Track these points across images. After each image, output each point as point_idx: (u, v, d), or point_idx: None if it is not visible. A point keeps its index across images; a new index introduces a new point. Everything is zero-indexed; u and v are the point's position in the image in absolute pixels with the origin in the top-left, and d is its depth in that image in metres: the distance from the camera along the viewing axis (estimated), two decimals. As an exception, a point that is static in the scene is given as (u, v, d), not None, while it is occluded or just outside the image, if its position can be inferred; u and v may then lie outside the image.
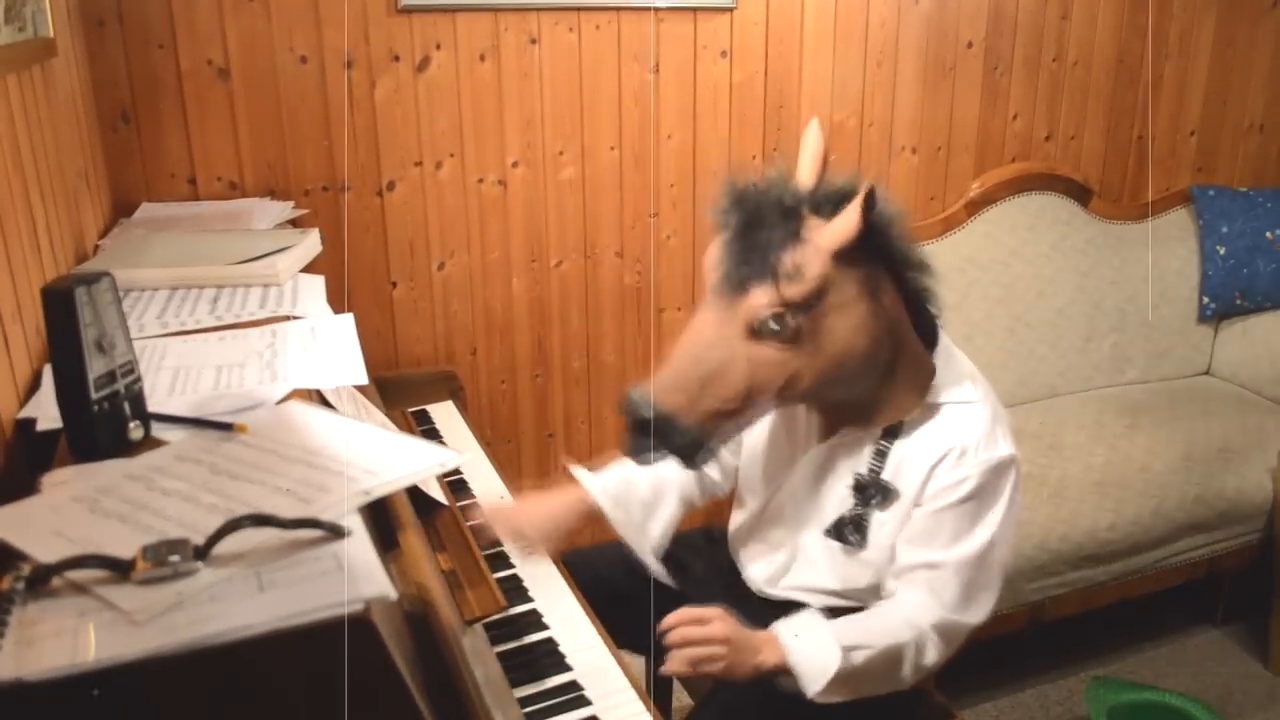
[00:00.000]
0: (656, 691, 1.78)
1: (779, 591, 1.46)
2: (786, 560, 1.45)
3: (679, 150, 2.38)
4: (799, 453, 1.42)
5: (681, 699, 1.77)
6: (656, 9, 2.26)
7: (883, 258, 1.23)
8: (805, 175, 1.25)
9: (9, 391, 1.14)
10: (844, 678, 1.21)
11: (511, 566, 1.44)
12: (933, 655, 1.26)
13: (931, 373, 1.31)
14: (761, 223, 1.18)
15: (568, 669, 1.22)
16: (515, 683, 1.17)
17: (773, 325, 1.17)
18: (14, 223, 1.24)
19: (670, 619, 1.23)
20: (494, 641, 1.25)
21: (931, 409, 1.30)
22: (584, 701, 1.16)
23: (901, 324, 1.28)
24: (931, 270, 1.32)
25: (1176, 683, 2.29)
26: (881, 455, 1.32)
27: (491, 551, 1.47)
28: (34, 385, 1.21)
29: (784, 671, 1.23)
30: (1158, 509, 2.22)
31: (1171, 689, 2.11)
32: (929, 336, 1.33)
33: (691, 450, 1.22)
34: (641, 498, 1.52)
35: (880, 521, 1.33)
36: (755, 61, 2.38)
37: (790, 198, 1.19)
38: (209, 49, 1.96)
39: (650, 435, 1.21)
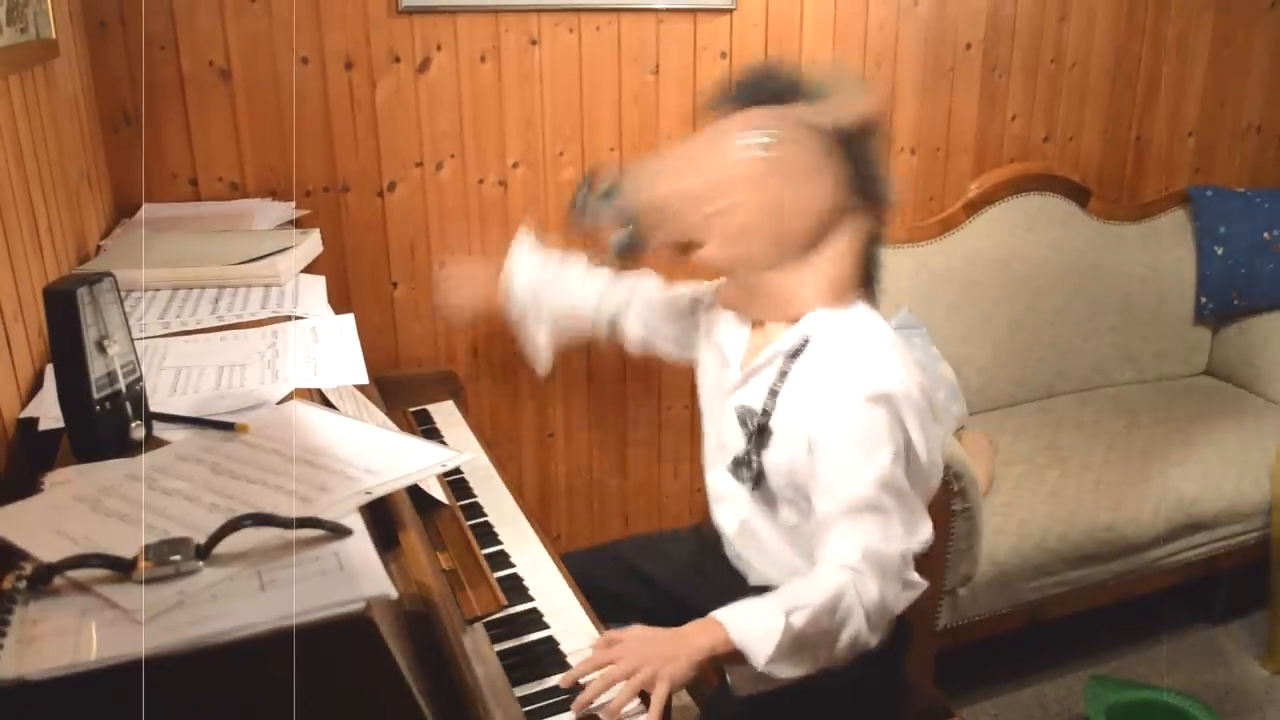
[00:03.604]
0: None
1: (742, 542, 1.48)
2: (733, 504, 1.48)
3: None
4: (726, 394, 1.47)
5: (681, 698, 1.78)
6: (657, 10, 2.26)
7: (859, 169, 1.34)
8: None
9: (11, 391, 1.14)
10: (792, 642, 1.17)
11: (512, 566, 1.45)
12: (875, 592, 1.22)
13: (841, 295, 1.37)
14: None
15: (568, 668, 1.22)
16: (515, 682, 1.18)
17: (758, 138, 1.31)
18: (16, 223, 1.24)
19: (571, 676, 1.18)
20: (494, 640, 1.25)
21: (811, 341, 1.35)
22: (584, 700, 1.16)
23: (837, 227, 1.35)
24: (888, 215, 1.40)
25: (1174, 682, 2.30)
26: (774, 394, 1.36)
27: (492, 551, 1.48)
28: (36, 385, 1.21)
29: (726, 654, 1.18)
30: (1156, 508, 2.22)
31: (1170, 688, 2.12)
32: (864, 284, 1.40)
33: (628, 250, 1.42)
34: (549, 293, 1.76)
35: (775, 466, 1.36)
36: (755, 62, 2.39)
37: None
38: (210, 50, 1.97)
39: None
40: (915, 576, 1.33)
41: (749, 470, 1.39)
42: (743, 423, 1.40)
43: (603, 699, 1.12)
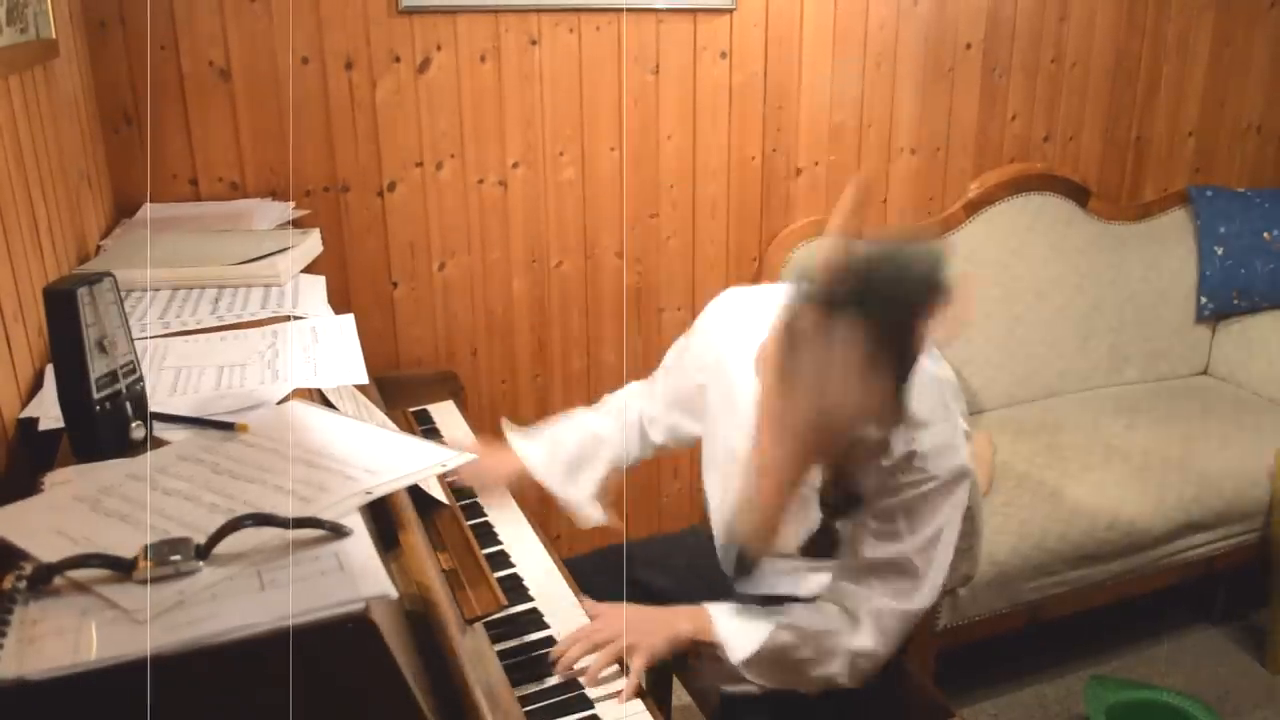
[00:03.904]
0: (656, 690, 1.79)
1: (752, 587, 1.47)
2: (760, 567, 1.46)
3: (679, 151, 2.39)
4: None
5: (681, 698, 1.77)
6: (657, 10, 2.26)
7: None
8: None
9: (11, 391, 1.14)
10: (770, 654, 1.21)
11: (512, 566, 1.45)
12: (869, 646, 1.24)
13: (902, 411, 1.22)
14: None
15: (567, 667, 1.22)
16: (516, 682, 1.18)
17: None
18: (16, 223, 1.24)
19: (559, 648, 1.21)
20: (494, 640, 1.25)
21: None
22: (584, 701, 1.17)
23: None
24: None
25: (1174, 681, 2.30)
26: (842, 470, 1.30)
27: (492, 551, 1.48)
28: (36, 385, 1.21)
29: (705, 643, 1.22)
30: (1155, 508, 2.22)
31: (1169, 688, 2.12)
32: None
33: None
34: (567, 458, 1.59)
35: (845, 529, 1.33)
36: (755, 63, 2.39)
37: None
38: (210, 50, 1.97)
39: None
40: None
41: (829, 542, 1.34)
42: (822, 501, 1.33)
43: (583, 663, 1.19)
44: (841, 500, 1.32)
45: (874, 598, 1.26)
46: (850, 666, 1.26)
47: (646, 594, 1.58)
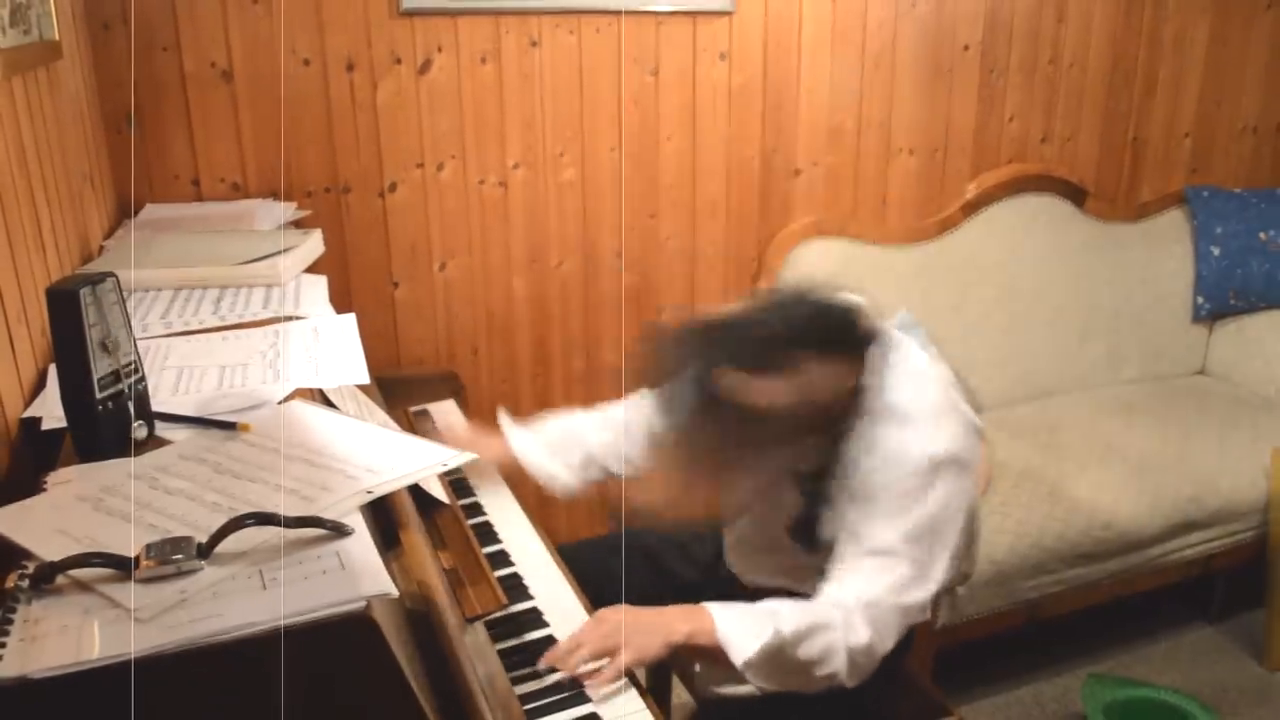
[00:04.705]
0: (656, 689, 1.80)
1: (755, 576, 1.48)
2: (763, 554, 1.47)
3: (679, 152, 2.39)
4: None
5: (681, 696, 1.78)
6: (656, 12, 2.27)
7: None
8: None
9: (14, 391, 1.15)
10: (774, 655, 1.20)
11: (512, 565, 1.45)
12: (865, 639, 1.23)
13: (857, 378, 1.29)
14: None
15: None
16: (516, 680, 1.18)
17: None
18: (19, 223, 1.25)
19: (553, 654, 1.21)
20: (495, 639, 1.25)
21: (877, 392, 1.30)
22: (584, 699, 1.17)
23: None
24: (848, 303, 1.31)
25: (1172, 680, 2.30)
26: (826, 454, 1.32)
27: (492, 550, 1.48)
28: (39, 385, 1.21)
29: (703, 645, 1.21)
30: (1153, 507, 2.23)
31: (1167, 686, 2.12)
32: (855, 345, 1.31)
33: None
34: (549, 439, 1.63)
35: (831, 522, 1.33)
36: (754, 64, 2.39)
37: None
38: (213, 51, 1.97)
39: None
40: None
41: (808, 532, 1.36)
42: (800, 487, 1.36)
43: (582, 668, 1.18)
44: (815, 485, 1.33)
45: (867, 592, 1.25)
46: (849, 664, 1.25)
47: (655, 569, 1.59)
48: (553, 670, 1.20)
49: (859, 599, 1.25)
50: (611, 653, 1.19)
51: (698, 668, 1.27)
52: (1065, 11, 2.66)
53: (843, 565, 1.29)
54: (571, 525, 2.57)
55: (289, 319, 1.42)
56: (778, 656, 1.21)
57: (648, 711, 1.16)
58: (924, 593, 1.28)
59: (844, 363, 1.26)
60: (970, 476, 1.30)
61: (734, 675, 1.23)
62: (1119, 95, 2.80)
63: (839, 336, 1.26)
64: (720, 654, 1.21)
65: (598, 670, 1.18)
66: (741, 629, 1.21)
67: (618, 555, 1.57)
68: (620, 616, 1.22)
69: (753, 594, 1.43)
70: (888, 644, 1.28)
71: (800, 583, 1.42)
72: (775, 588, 1.44)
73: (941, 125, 2.62)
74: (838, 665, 1.24)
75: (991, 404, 2.63)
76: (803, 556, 1.38)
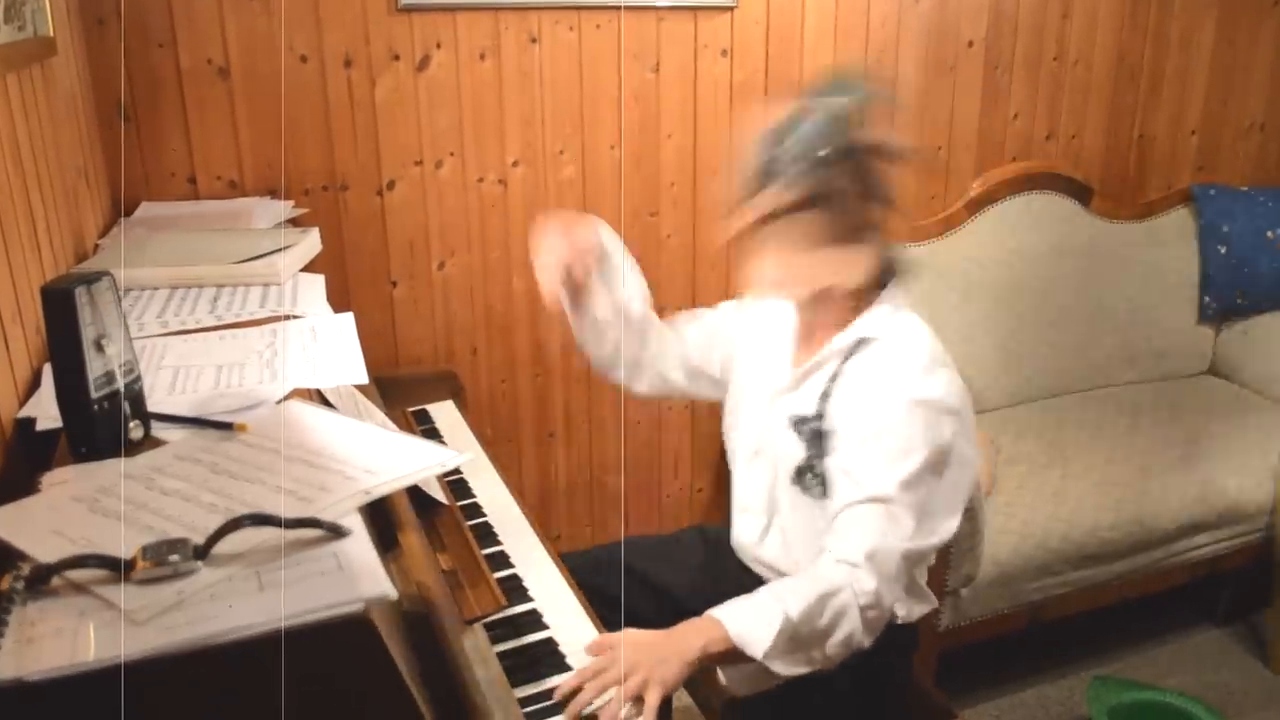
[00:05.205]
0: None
1: (764, 552, 1.46)
2: (765, 523, 1.47)
3: (679, 150, 2.38)
4: (770, 399, 1.45)
5: (682, 699, 1.77)
6: (657, 8, 2.26)
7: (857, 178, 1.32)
8: None
9: (9, 391, 1.14)
10: (790, 635, 1.18)
11: (512, 566, 1.44)
12: (873, 590, 1.22)
13: (869, 295, 1.38)
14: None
15: (568, 669, 1.21)
16: (515, 683, 1.17)
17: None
18: (14, 222, 1.24)
19: (567, 685, 1.17)
20: (494, 641, 1.24)
21: (866, 343, 1.35)
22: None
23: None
24: (893, 207, 1.37)
25: (1177, 682, 2.29)
26: (825, 396, 1.35)
27: (492, 551, 1.47)
28: (34, 384, 1.21)
29: (721, 653, 1.19)
30: (1158, 508, 2.22)
31: (1172, 689, 2.11)
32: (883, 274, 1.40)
33: None
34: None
35: (835, 466, 1.33)
36: (756, 60, 2.38)
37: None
38: (209, 48, 1.96)
39: None
40: (925, 590, 1.36)
41: (814, 477, 1.37)
42: (798, 431, 1.39)
43: (596, 703, 1.13)
44: (812, 432, 1.35)
45: (868, 541, 1.24)
46: (863, 620, 1.22)
47: (654, 591, 1.58)
48: (554, 673, 1.19)
49: (860, 549, 1.24)
50: (637, 690, 1.13)
51: (722, 677, 1.25)
52: (1070, 7, 2.65)
53: (844, 514, 1.28)
54: (572, 528, 2.57)
55: (286, 318, 1.42)
56: (795, 636, 1.19)
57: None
58: (926, 541, 1.29)
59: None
60: (966, 437, 1.32)
61: (761, 670, 1.20)
62: (1124, 92, 2.79)
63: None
64: (740, 655, 1.19)
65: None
66: (753, 623, 1.19)
67: (603, 573, 1.55)
68: (627, 643, 1.18)
69: (753, 583, 1.42)
70: (896, 591, 1.27)
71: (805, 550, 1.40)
72: (779, 570, 1.44)
73: (945, 122, 2.61)
74: (853, 625, 1.22)
75: (996, 404, 2.62)
76: (812, 513, 1.37)
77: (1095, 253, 2.74)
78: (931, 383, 1.30)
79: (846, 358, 1.36)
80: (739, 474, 1.53)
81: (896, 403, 1.28)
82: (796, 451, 1.39)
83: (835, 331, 1.39)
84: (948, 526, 1.31)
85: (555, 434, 2.48)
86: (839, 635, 1.22)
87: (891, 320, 1.37)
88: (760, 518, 1.48)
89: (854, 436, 1.30)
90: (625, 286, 1.54)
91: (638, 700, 1.12)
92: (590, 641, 1.23)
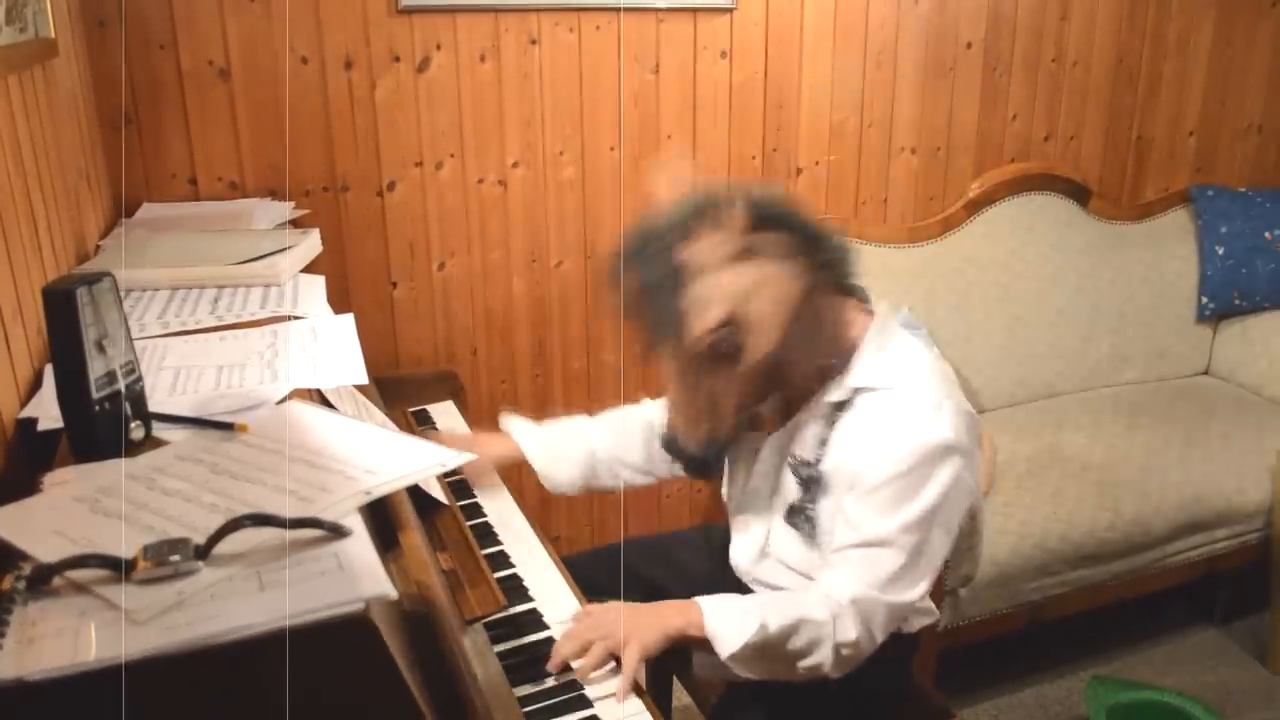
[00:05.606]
0: (656, 691, 1.79)
1: (760, 573, 1.47)
2: (761, 544, 1.47)
3: (679, 150, 2.38)
4: (763, 438, 1.43)
5: (681, 698, 1.77)
6: (657, 10, 2.26)
7: (789, 248, 1.25)
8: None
9: (10, 391, 1.14)
10: (757, 648, 1.21)
11: (512, 566, 1.44)
12: (853, 635, 1.23)
13: (848, 351, 1.32)
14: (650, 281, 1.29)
15: (568, 669, 1.22)
16: (515, 682, 1.17)
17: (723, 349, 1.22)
18: (15, 223, 1.24)
19: (559, 656, 1.21)
20: (494, 641, 1.25)
21: (863, 392, 1.30)
22: (584, 701, 1.16)
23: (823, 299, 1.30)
24: (844, 251, 1.35)
25: (1176, 682, 2.29)
26: (824, 443, 1.33)
27: (492, 551, 1.47)
28: (35, 385, 1.21)
29: (696, 637, 1.23)
30: (1157, 508, 2.22)
31: (1171, 688, 2.11)
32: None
33: (705, 469, 1.39)
34: (555, 436, 1.66)
35: (828, 511, 1.33)
36: (755, 62, 2.39)
37: (663, 245, 1.27)
38: (210, 49, 1.97)
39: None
40: (928, 604, 1.38)
41: (806, 519, 1.36)
42: (795, 472, 1.37)
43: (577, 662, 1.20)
44: (811, 476, 1.34)
45: (856, 587, 1.24)
46: (835, 656, 1.25)
47: (649, 590, 1.58)
48: (564, 672, 1.19)
49: (849, 594, 1.24)
50: (615, 649, 1.19)
51: (695, 658, 1.29)
52: (1068, 9, 2.65)
53: (838, 555, 1.28)
54: (572, 529, 2.57)
55: (287, 319, 1.42)
56: (763, 650, 1.22)
57: (648, 713, 1.15)
58: (914, 592, 1.27)
59: (804, 267, 1.25)
60: (971, 468, 1.28)
61: (726, 666, 1.24)
62: (1123, 94, 2.80)
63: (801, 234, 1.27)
64: (711, 646, 1.23)
65: (602, 676, 1.19)
66: (729, 623, 1.23)
67: (602, 570, 1.56)
68: (610, 611, 1.25)
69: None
70: (876, 640, 1.27)
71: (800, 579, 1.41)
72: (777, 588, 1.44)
73: (944, 123, 2.62)
74: (823, 658, 1.25)
75: (994, 404, 2.62)
76: (802, 549, 1.38)
77: (1093, 254, 2.74)
78: (938, 425, 1.24)
79: (842, 408, 1.32)
80: (734, 503, 1.52)
81: (901, 452, 1.24)
82: (792, 490, 1.37)
83: (817, 390, 1.34)
84: (937, 567, 1.29)
85: (555, 434, 2.48)
86: (808, 661, 1.25)
87: (888, 363, 1.30)
88: (756, 541, 1.48)
89: (856, 485, 1.27)
90: (561, 468, 1.63)
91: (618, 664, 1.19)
92: (577, 610, 1.30)
